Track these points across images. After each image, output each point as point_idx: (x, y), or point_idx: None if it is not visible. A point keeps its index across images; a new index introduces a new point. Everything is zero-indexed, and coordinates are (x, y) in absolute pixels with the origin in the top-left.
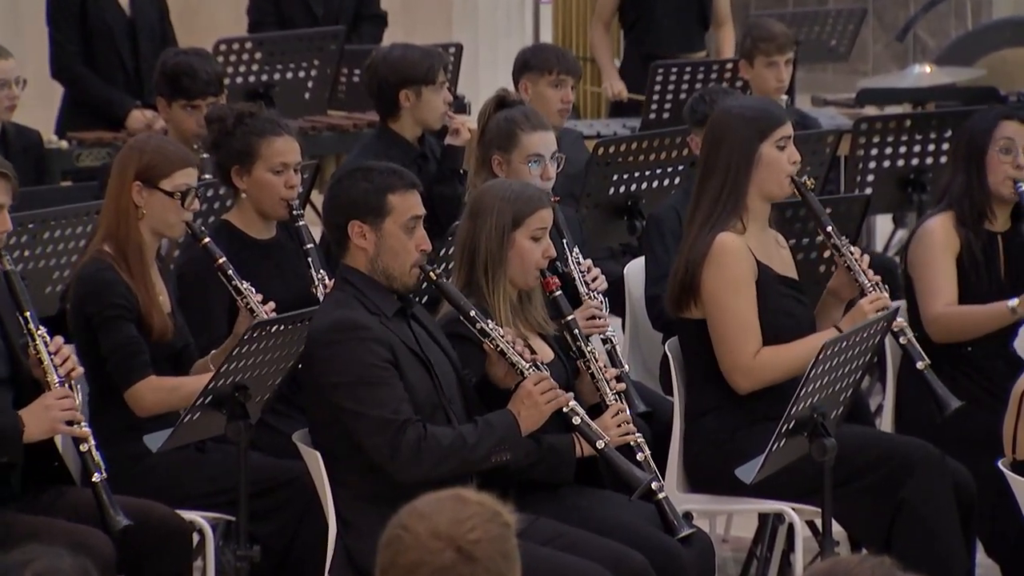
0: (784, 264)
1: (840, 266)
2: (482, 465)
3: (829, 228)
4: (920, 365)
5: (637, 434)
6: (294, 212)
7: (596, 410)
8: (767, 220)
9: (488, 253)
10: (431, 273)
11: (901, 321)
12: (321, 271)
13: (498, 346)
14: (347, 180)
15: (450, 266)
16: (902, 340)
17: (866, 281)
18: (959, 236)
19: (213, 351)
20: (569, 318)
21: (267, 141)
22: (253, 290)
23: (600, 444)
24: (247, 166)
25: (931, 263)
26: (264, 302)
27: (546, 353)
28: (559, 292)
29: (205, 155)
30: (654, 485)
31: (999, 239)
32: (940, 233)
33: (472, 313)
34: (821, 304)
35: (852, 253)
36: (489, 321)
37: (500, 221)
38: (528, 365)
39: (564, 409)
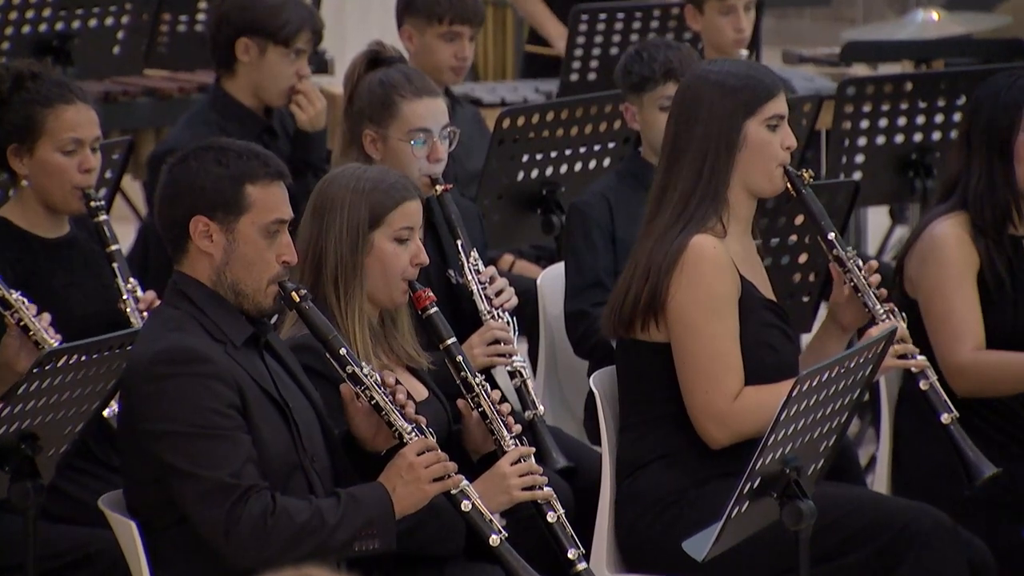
0: (766, 282)
1: (840, 283)
2: (342, 552)
3: (831, 235)
4: (946, 418)
5: (547, 487)
6: (92, 204)
7: (493, 458)
8: (751, 223)
9: (339, 261)
10: (293, 293)
11: (923, 361)
12: (131, 280)
13: (372, 398)
14: (193, 161)
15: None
16: (923, 385)
17: (878, 307)
18: (977, 248)
19: None
20: (449, 342)
21: (54, 112)
22: (25, 301)
23: (495, 540)
24: (28, 144)
25: (950, 291)
26: (40, 312)
27: (418, 391)
28: (434, 310)
29: None
30: (571, 553)
31: None
32: (956, 249)
33: (343, 352)
34: (821, 331)
35: (860, 269)
36: (365, 364)
37: (353, 219)
38: (411, 428)
39: (452, 491)
